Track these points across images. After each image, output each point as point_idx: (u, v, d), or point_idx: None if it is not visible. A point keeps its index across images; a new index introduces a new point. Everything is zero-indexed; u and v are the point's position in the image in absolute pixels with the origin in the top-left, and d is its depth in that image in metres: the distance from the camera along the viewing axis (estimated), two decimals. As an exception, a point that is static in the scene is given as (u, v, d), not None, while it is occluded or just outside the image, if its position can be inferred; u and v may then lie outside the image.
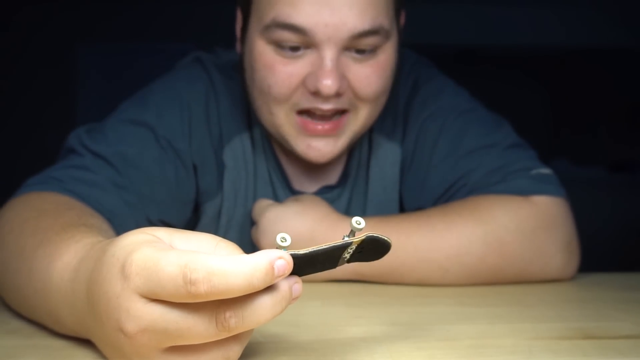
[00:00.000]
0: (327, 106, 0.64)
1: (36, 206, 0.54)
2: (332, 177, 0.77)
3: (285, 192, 0.76)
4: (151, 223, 0.66)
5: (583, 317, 0.51)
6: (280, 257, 0.30)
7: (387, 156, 0.77)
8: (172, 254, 0.30)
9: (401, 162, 0.77)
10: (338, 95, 0.63)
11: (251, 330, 0.34)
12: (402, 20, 0.71)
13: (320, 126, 0.65)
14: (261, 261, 0.29)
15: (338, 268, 0.37)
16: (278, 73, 0.63)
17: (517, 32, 4.25)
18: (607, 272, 0.75)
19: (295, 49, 0.62)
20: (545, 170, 0.69)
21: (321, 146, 0.66)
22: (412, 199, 0.76)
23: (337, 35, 0.60)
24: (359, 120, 0.67)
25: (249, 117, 0.75)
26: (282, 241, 0.32)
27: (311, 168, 0.76)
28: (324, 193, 0.75)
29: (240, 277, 0.29)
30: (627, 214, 3.37)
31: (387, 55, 0.65)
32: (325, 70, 0.61)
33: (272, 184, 0.76)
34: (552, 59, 4.67)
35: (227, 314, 0.30)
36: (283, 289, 0.32)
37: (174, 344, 0.31)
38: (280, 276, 0.30)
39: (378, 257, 0.37)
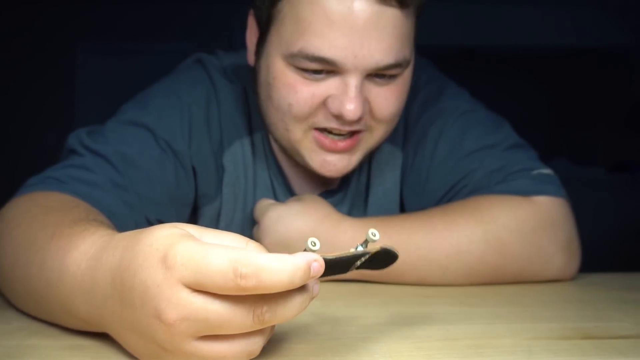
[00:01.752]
0: (344, 128, 0.64)
1: (42, 203, 0.54)
2: (333, 182, 0.77)
3: (286, 196, 0.76)
4: (150, 223, 0.66)
5: (582, 318, 0.51)
6: (315, 260, 0.33)
7: (388, 160, 0.77)
8: (220, 249, 0.32)
9: (402, 166, 0.77)
10: (359, 119, 0.63)
11: (273, 327, 0.36)
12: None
13: (338, 144, 0.65)
14: (302, 261, 0.32)
15: None
16: (300, 92, 0.63)
17: (517, 32, 4.25)
18: (607, 272, 0.75)
19: (318, 72, 0.62)
20: (546, 171, 0.70)
21: (336, 161, 0.67)
22: (413, 201, 0.76)
23: (364, 66, 0.60)
24: (373, 138, 0.68)
25: (249, 122, 0.75)
26: (312, 245, 0.34)
27: (312, 173, 0.76)
28: (326, 198, 0.75)
29: (285, 274, 0.31)
30: (627, 214, 3.36)
31: (405, 79, 0.66)
32: (350, 97, 0.61)
33: (273, 189, 0.76)
34: (552, 59, 4.67)
35: (264, 308, 0.32)
36: (309, 288, 0.34)
37: (209, 333, 0.33)
38: (314, 277, 0.33)
39: (384, 267, 0.40)
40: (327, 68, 0.61)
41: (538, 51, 4.52)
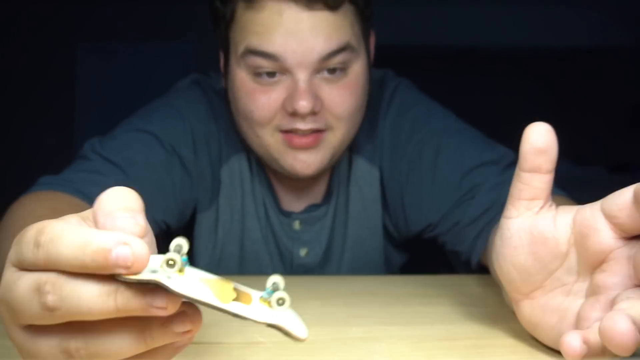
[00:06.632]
0: (305, 126, 0.67)
1: (47, 205, 0.58)
2: (317, 196, 0.80)
3: (275, 211, 0.79)
4: (156, 224, 0.70)
5: (583, 317, 0.51)
6: (125, 243, 0.24)
7: (365, 177, 0.79)
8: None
9: (380, 182, 0.79)
10: (314, 113, 0.66)
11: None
12: (372, 40, 0.74)
13: (304, 139, 0.68)
14: (99, 239, 0.24)
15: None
16: (258, 100, 0.67)
17: (517, 32, 4.26)
18: (607, 272, 0.74)
19: (271, 74, 0.65)
20: None
21: (306, 158, 0.69)
22: (417, 216, 0.77)
23: (307, 60, 0.64)
24: (337, 136, 0.70)
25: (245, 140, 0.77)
26: (168, 265, 0.25)
27: (298, 188, 0.79)
28: (311, 211, 0.79)
29: (70, 245, 0.25)
30: (627, 214, 3.36)
31: (356, 73, 0.68)
32: (300, 92, 0.64)
33: (265, 204, 0.80)
34: (552, 59, 4.68)
35: (47, 287, 0.25)
36: (113, 289, 0.25)
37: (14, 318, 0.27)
38: (123, 267, 0.24)
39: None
40: (274, 66, 0.65)
41: (538, 51, 4.52)
